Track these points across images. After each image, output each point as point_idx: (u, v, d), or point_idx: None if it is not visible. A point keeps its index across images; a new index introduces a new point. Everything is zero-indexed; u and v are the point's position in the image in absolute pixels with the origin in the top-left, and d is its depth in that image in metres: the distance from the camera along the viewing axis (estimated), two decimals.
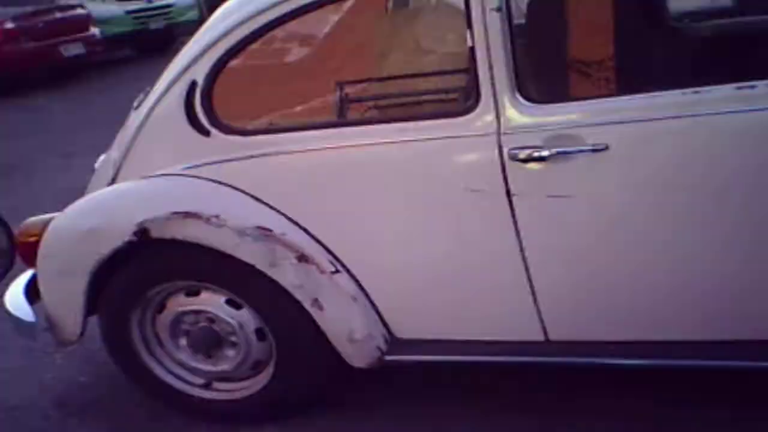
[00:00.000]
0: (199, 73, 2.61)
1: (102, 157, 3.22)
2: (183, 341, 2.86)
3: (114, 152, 2.93)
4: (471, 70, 2.33)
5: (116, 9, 13.45)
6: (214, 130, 2.62)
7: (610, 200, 2.26)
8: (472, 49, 2.30)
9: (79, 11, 12.29)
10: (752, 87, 2.10)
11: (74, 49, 11.80)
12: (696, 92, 2.15)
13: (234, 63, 2.63)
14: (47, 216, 2.95)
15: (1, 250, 2.16)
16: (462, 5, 2.34)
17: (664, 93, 2.19)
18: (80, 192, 3.01)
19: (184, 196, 2.63)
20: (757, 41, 2.83)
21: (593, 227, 2.30)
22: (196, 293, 2.76)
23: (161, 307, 2.83)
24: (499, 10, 2.26)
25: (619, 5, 2.73)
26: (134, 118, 2.83)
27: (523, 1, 2.63)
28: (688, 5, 4.09)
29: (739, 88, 2.11)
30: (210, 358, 2.84)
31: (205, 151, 2.64)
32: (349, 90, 2.94)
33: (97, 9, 12.89)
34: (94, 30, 12.29)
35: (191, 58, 2.64)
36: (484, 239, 2.41)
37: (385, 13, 3.29)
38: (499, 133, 2.30)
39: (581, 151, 2.22)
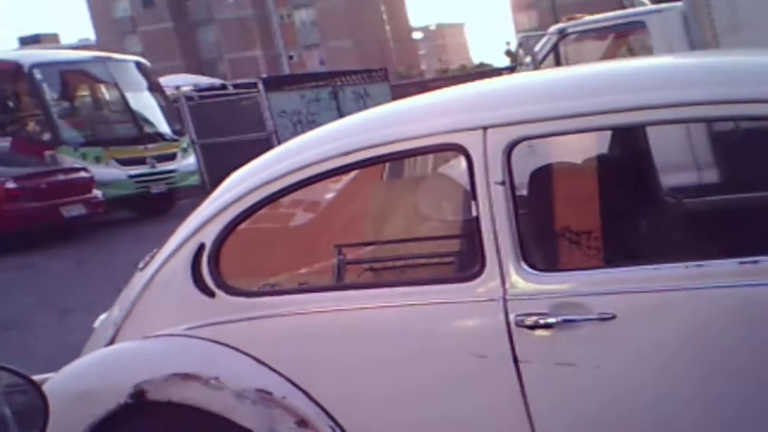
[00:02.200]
0: (208, 237, 2.66)
1: (102, 317, 3.21)
2: None
3: (115, 312, 2.93)
4: (476, 238, 2.38)
5: (119, 173, 13.72)
6: (219, 291, 2.64)
7: (618, 368, 2.26)
8: (476, 219, 2.36)
9: (82, 174, 12.59)
10: (755, 262, 2.14)
11: (75, 210, 12.01)
12: (699, 266, 2.19)
13: (242, 227, 2.70)
14: (42, 376, 2.90)
15: (34, 411, 2.06)
16: (461, 176, 2.42)
17: (667, 265, 2.24)
18: (76, 351, 2.98)
19: (184, 358, 2.61)
20: (752, 217, 2.91)
21: (601, 394, 2.28)
22: None
23: None
24: (502, 183, 2.33)
25: (611, 181, 2.83)
26: (139, 279, 2.85)
27: (525, 175, 2.73)
28: (675, 181, 4.23)
29: (742, 263, 2.15)
30: None
31: (209, 312, 2.64)
32: (350, 254, 3.00)
33: (101, 172, 13.16)
34: (96, 192, 12.54)
35: (201, 222, 2.70)
36: (492, 405, 2.38)
37: (380, 181, 3.40)
38: (505, 299, 2.32)
39: (588, 319, 2.23)
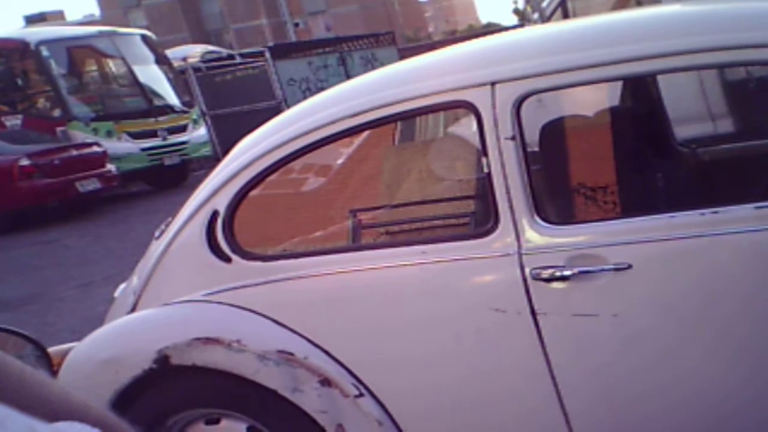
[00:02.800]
0: (221, 203, 2.67)
1: (122, 286, 3.25)
2: None
3: (134, 281, 2.96)
4: (488, 195, 2.38)
5: (132, 147, 13.75)
6: (235, 257, 2.66)
7: (635, 317, 2.27)
8: (488, 175, 2.36)
9: (95, 149, 12.62)
10: None
11: (90, 185, 12.07)
12: (715, 212, 2.18)
13: (254, 193, 2.71)
14: (66, 346, 2.94)
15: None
16: (471, 135, 2.40)
17: (682, 213, 2.23)
18: (98, 322, 3.02)
19: (205, 322, 2.64)
20: (766, 162, 2.90)
21: (620, 344, 2.30)
22: (217, 421, 2.72)
23: None
24: (513, 138, 2.32)
25: (623, 133, 2.81)
26: (155, 247, 2.87)
27: (536, 129, 2.72)
28: (692, 132, 4.21)
29: (758, 207, 2.15)
30: None
31: (226, 278, 2.66)
32: (365, 217, 3.00)
33: (113, 146, 13.21)
34: (110, 166, 12.59)
35: (213, 189, 2.70)
36: (511, 359, 2.39)
37: (393, 144, 3.39)
38: (520, 254, 2.32)
39: (604, 270, 2.24)
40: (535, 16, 8.89)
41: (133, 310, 2.86)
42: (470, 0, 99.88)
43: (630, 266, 2.21)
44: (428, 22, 78.49)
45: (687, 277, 2.22)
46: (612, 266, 2.23)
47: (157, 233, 3.03)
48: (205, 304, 2.68)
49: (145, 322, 2.78)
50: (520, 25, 16.96)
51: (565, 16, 8.67)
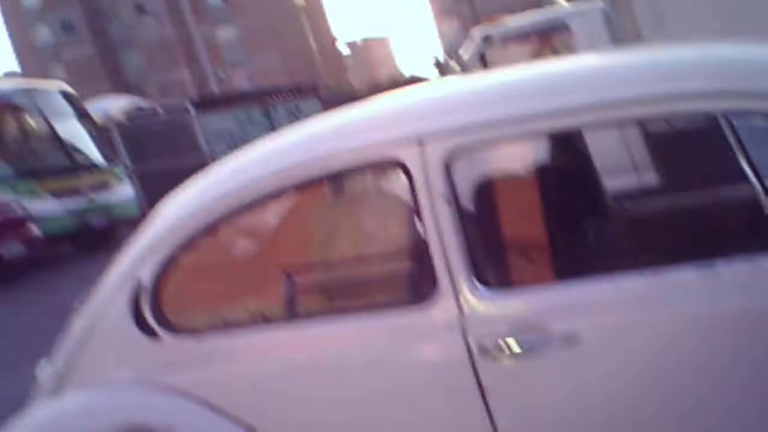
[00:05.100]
0: (146, 273, 2.53)
1: (43, 365, 3.07)
2: None
3: (56, 361, 2.79)
4: (425, 257, 2.30)
5: (56, 207, 13.29)
6: (162, 332, 2.52)
7: (588, 389, 2.21)
8: (424, 237, 2.28)
9: (18, 211, 12.12)
10: (711, 266, 2.11)
11: (13, 249, 11.54)
12: (655, 274, 2.15)
13: (181, 259, 2.57)
14: None
15: None
16: (403, 194, 2.34)
17: (622, 276, 2.19)
18: (21, 403, 2.83)
19: (133, 408, 2.49)
20: (700, 217, 2.91)
21: (574, 417, 2.23)
22: None
23: None
24: (446, 197, 2.25)
25: (555, 190, 2.78)
26: (77, 324, 2.71)
27: (469, 190, 2.67)
28: (615, 185, 4.23)
29: (700, 268, 2.12)
30: None
31: (155, 355, 2.52)
32: (299, 281, 2.90)
33: (35, 207, 12.73)
34: (33, 228, 12.07)
35: (136, 258, 2.57)
36: None
37: (324, 202, 3.32)
38: (462, 323, 2.25)
39: (551, 340, 2.18)
40: (457, 68, 8.98)
41: (55, 393, 2.69)
42: (390, 53, 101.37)
43: (576, 335, 2.15)
44: (350, 73, 79.26)
45: (635, 346, 2.17)
46: (558, 336, 2.17)
47: (77, 306, 2.88)
48: (134, 386, 2.52)
49: (70, 411, 2.61)
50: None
51: (485, 65, 8.79)
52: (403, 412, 2.32)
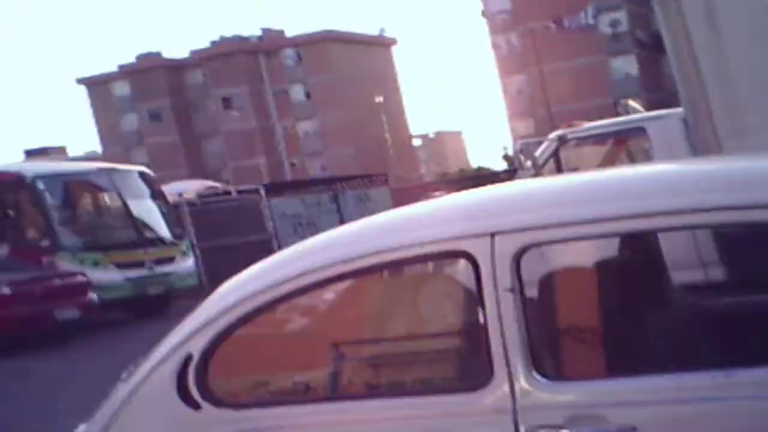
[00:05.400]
0: (196, 347, 2.53)
1: (82, 427, 3.02)
2: None
3: (94, 424, 2.74)
4: (483, 345, 2.27)
5: (116, 276, 13.78)
6: (205, 404, 2.49)
7: None
8: (484, 326, 2.26)
9: (79, 278, 12.62)
10: None
11: (69, 313, 11.93)
12: (727, 375, 2.04)
13: (233, 336, 2.57)
14: None
15: None
16: (467, 281, 2.34)
17: (690, 375, 2.09)
18: None
19: None
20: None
21: None
22: None
23: None
24: (512, 290, 2.24)
25: (623, 286, 2.73)
26: (121, 391, 2.68)
27: (533, 280, 2.60)
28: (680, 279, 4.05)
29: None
30: None
31: (195, 427, 2.49)
32: (348, 359, 2.83)
33: (97, 276, 13.19)
34: (92, 295, 12.51)
35: (189, 332, 2.58)
36: None
37: (381, 284, 3.27)
38: (515, 410, 2.17)
39: None
40: (528, 164, 8.95)
41: None
42: (461, 146, 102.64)
43: (634, 429, 2.05)
44: (421, 165, 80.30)
45: None
46: (614, 428, 2.06)
47: (124, 375, 2.85)
48: None
49: None
50: (511, 171, 17.22)
51: (558, 165, 8.75)
52: None
